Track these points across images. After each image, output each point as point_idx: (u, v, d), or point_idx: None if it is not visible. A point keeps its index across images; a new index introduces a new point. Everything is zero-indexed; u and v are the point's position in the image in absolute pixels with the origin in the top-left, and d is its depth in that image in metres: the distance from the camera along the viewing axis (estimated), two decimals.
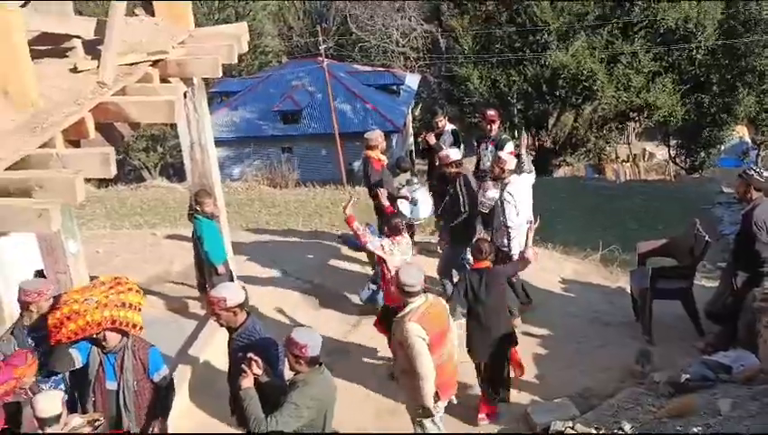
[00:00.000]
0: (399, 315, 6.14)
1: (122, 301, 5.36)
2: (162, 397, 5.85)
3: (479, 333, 7.29)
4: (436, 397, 6.08)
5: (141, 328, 5.53)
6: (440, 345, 6.04)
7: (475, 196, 9.09)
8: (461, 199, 8.82)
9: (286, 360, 5.29)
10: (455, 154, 9.02)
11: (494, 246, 7.91)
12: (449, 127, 10.55)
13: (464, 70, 28.72)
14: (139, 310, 5.47)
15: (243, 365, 5.28)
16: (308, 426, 5.11)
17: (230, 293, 5.77)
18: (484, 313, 7.25)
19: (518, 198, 8.54)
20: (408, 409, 6.42)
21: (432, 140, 10.25)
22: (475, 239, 7.99)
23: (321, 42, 36.36)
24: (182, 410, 7.60)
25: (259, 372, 5.29)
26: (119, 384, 5.60)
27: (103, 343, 5.50)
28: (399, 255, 7.72)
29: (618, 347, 8.50)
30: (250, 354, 5.36)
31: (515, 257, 8.34)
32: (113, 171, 5.42)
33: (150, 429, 5.89)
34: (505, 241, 8.61)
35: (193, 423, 7.47)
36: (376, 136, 10.08)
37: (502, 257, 8.43)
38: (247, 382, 5.19)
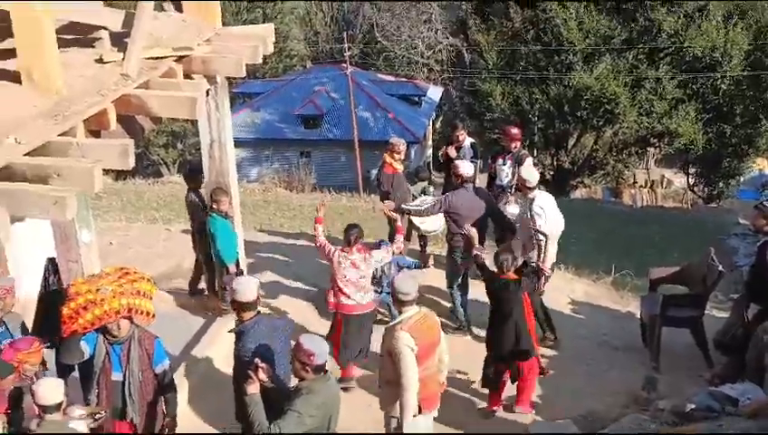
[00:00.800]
0: (391, 324, 6.16)
1: (137, 289, 5.40)
2: (168, 396, 5.87)
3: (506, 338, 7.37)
4: (418, 410, 6.01)
5: (154, 316, 5.55)
6: (427, 358, 5.99)
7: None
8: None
9: (291, 366, 5.28)
10: (466, 169, 9.00)
11: (516, 259, 7.87)
12: (469, 141, 10.59)
13: (486, 85, 28.69)
14: (151, 298, 5.50)
15: (249, 371, 5.29)
16: (314, 430, 5.09)
17: (239, 287, 5.81)
18: (509, 323, 7.33)
19: (548, 211, 8.54)
20: (386, 425, 6.34)
21: (453, 153, 10.29)
22: (495, 253, 7.97)
23: (346, 48, 36.41)
24: (183, 410, 7.62)
25: (265, 378, 5.29)
26: (124, 375, 5.62)
27: (115, 332, 5.52)
28: (351, 268, 7.85)
29: (624, 372, 8.46)
30: (257, 360, 5.38)
31: (547, 271, 8.45)
32: (132, 163, 5.44)
33: (158, 428, 5.91)
34: (534, 255, 8.60)
35: (194, 424, 7.49)
36: (400, 142, 10.17)
37: (532, 271, 8.38)
38: (253, 388, 5.20)
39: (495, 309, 7.49)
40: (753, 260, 8.16)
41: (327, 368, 5.24)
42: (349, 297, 7.89)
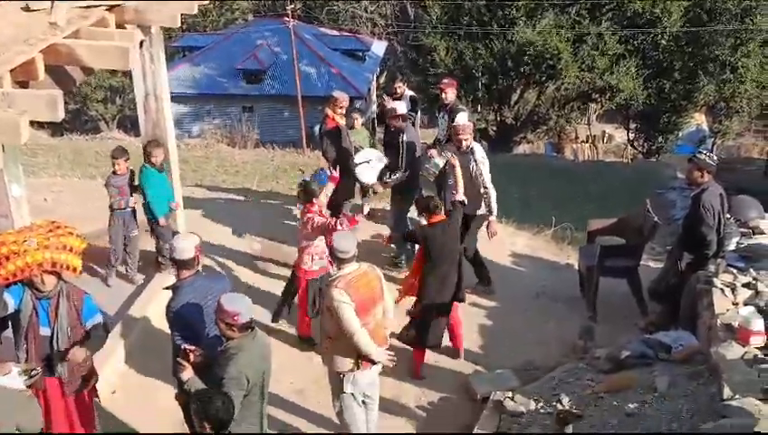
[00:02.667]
0: (328, 281, 6.14)
1: (63, 243, 5.25)
2: (93, 335, 5.65)
3: (438, 285, 7.43)
4: (357, 365, 6.00)
5: (81, 272, 5.42)
6: (366, 314, 5.95)
7: (414, 154, 9.33)
8: (401, 154, 9.18)
9: (217, 327, 5.24)
10: (401, 107, 9.31)
11: (442, 202, 7.92)
12: (408, 93, 10.58)
13: (430, 40, 28.51)
14: (80, 254, 5.36)
15: (179, 359, 5.26)
16: (249, 390, 5.06)
17: (178, 245, 5.71)
18: (447, 264, 7.40)
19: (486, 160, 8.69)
20: (331, 381, 6.31)
21: (390, 104, 10.22)
22: (416, 198, 8.03)
23: (288, 2, 35.84)
24: (122, 369, 7.55)
25: (197, 359, 5.25)
26: (52, 330, 5.49)
27: (40, 287, 5.39)
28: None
29: (562, 322, 8.61)
30: (184, 346, 5.35)
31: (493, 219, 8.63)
32: (61, 115, 5.26)
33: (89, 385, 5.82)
34: (484, 206, 8.75)
35: (134, 381, 7.42)
36: (342, 96, 10.06)
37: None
38: (187, 374, 5.17)
39: (428, 256, 7.45)
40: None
41: (253, 325, 5.20)
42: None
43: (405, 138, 9.31)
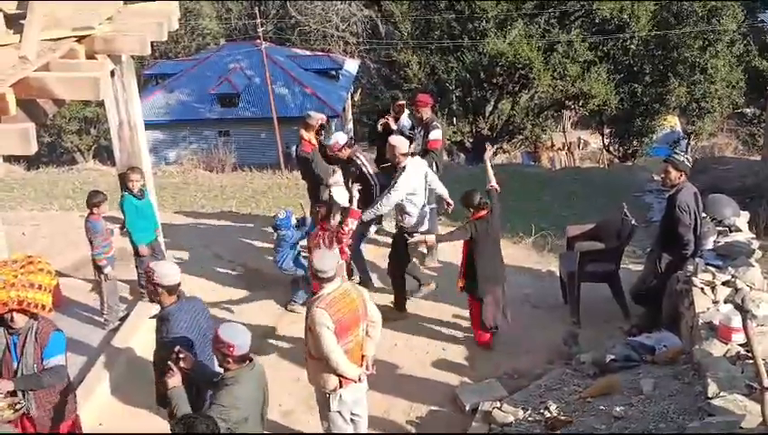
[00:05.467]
0: (310, 300, 6.13)
1: (31, 281, 5.20)
2: (38, 375, 5.51)
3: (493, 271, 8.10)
4: (339, 384, 5.99)
5: (51, 310, 5.38)
6: (347, 333, 5.93)
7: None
8: (367, 174, 9.22)
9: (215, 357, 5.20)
10: (341, 138, 9.33)
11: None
12: (406, 112, 10.54)
13: (403, 56, 28.71)
14: (50, 291, 5.31)
15: (169, 362, 5.17)
16: (241, 421, 4.98)
17: (164, 271, 5.68)
18: (496, 250, 8.19)
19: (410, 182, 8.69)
20: (318, 400, 6.31)
21: (393, 124, 10.24)
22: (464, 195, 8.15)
23: (259, 24, 35.94)
24: (107, 402, 7.48)
25: (187, 366, 5.20)
26: (18, 366, 5.44)
27: (10, 324, 5.35)
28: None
29: (546, 329, 8.62)
30: (177, 348, 5.27)
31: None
32: (34, 148, 5.27)
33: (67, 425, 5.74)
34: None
35: (118, 414, 7.37)
36: (317, 117, 10.04)
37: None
38: (174, 381, 5.08)
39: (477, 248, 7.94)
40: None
41: (251, 356, 5.15)
42: None
43: (362, 161, 9.35)
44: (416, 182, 8.70)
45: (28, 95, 6.05)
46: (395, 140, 8.98)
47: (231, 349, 4.98)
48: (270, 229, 11.47)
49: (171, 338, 5.54)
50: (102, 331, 8.51)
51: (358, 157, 9.36)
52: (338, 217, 7.98)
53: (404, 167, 8.64)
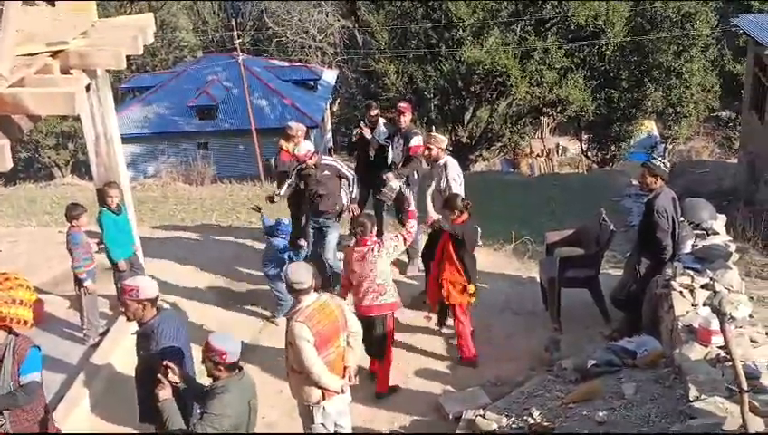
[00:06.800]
0: (289, 314, 6.10)
1: (12, 297, 5.18)
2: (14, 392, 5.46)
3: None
4: (322, 396, 5.98)
5: (32, 325, 5.34)
6: (328, 345, 5.92)
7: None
8: (339, 166, 9.42)
9: (204, 365, 5.17)
10: (311, 146, 9.39)
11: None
12: (382, 120, 10.53)
13: (380, 65, 28.78)
14: (30, 306, 5.28)
15: (159, 375, 5.14)
16: (232, 430, 5.00)
17: (144, 284, 5.64)
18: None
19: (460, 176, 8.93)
20: (301, 413, 6.30)
21: (368, 133, 10.21)
22: (447, 198, 8.28)
23: (236, 36, 35.89)
24: (88, 420, 7.41)
25: (176, 379, 5.17)
26: None
27: None
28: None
29: (527, 336, 8.65)
30: (166, 362, 5.23)
31: None
32: (9, 164, 5.22)
33: None
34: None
35: (100, 431, 7.30)
36: (297, 128, 10.06)
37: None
38: (165, 393, 5.07)
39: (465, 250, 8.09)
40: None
41: (241, 365, 5.17)
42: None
43: (328, 160, 9.54)
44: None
45: (2, 111, 5.99)
46: (437, 136, 9.24)
47: (223, 356, 5.00)
48: (249, 242, 11.49)
49: (160, 350, 5.50)
50: (82, 347, 8.44)
51: (324, 158, 9.49)
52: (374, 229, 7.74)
53: (445, 163, 8.89)
